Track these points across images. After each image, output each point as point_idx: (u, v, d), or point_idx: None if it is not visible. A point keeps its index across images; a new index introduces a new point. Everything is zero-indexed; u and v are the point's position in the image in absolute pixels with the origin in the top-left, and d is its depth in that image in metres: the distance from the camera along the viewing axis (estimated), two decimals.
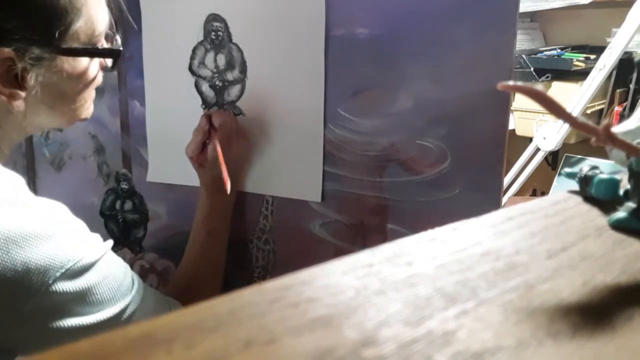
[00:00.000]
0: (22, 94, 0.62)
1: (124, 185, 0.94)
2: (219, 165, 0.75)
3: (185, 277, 0.82)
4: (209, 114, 0.79)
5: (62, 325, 0.58)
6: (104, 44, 0.68)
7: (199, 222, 0.82)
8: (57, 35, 0.61)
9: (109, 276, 0.62)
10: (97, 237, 0.64)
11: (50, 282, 0.56)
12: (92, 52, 0.66)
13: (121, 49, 0.70)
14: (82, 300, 0.59)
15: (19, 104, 0.63)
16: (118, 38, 0.70)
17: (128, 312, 0.63)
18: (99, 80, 0.70)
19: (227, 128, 0.79)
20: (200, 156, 0.80)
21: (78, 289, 0.58)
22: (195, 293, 0.79)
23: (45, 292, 0.56)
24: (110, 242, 0.65)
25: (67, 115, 0.69)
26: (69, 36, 0.62)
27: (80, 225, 0.63)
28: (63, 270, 0.57)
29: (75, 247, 0.59)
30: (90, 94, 0.70)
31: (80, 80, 0.66)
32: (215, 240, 0.83)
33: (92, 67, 0.67)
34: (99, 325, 0.60)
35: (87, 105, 0.70)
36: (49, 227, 0.58)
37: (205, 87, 0.84)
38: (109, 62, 0.71)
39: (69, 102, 0.67)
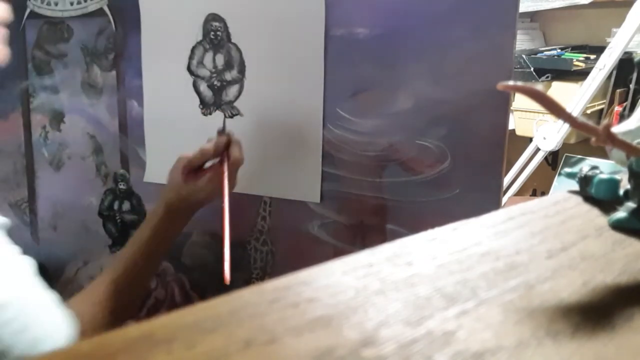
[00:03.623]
0: None
1: (122, 186, 0.93)
2: (222, 218, 0.67)
3: (102, 295, 0.70)
4: (228, 142, 0.72)
5: None
6: None
7: (141, 241, 0.72)
8: None
9: None
10: None
11: None
12: None
13: None
14: None
15: None
16: None
17: None
18: None
19: (237, 166, 0.73)
20: (191, 174, 0.73)
21: None
22: (104, 315, 0.69)
23: None
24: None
25: None
26: None
27: None
28: None
29: None
30: None
31: None
32: (150, 267, 0.75)
33: None
34: None
35: None
36: None
37: (203, 87, 0.84)
38: None
39: None
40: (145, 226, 0.74)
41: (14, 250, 0.52)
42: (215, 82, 0.83)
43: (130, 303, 0.75)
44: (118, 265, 0.72)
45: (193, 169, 0.73)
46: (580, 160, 1.66)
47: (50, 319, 0.51)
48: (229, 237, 0.66)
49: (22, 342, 0.47)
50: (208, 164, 0.75)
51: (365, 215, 0.77)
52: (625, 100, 1.72)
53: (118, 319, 0.71)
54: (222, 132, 0.75)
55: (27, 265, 0.52)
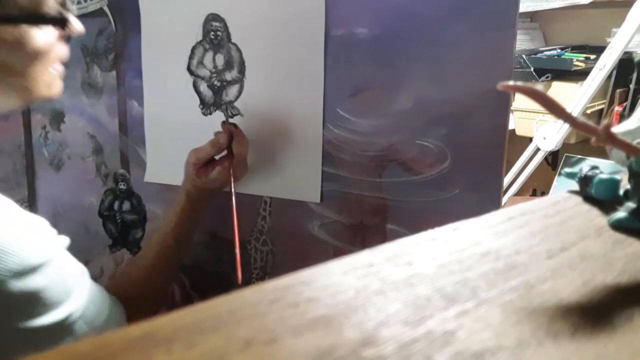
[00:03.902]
0: None
1: (122, 186, 0.93)
2: (230, 209, 0.74)
3: (139, 277, 0.78)
4: (231, 134, 0.77)
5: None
6: (52, 11, 0.60)
7: (169, 226, 0.79)
8: None
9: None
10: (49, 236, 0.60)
11: None
12: (32, 19, 0.58)
13: (68, 17, 0.62)
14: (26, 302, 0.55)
15: None
16: (74, 8, 0.63)
17: (72, 319, 0.59)
18: (58, 52, 0.63)
19: (243, 158, 0.78)
20: (202, 168, 0.78)
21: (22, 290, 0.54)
22: (144, 296, 0.76)
23: None
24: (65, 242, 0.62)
25: (20, 92, 0.61)
26: (5, 1, 0.56)
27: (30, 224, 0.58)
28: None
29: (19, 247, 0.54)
30: (44, 67, 0.61)
31: (25, 51, 0.58)
32: (181, 247, 0.81)
33: (41, 36, 0.59)
34: (40, 330, 0.55)
35: (47, 80, 0.62)
36: None
37: (203, 87, 0.84)
38: (73, 32, 0.64)
39: (17, 76, 0.59)
40: (171, 213, 0.80)
41: (74, 260, 0.62)
42: (215, 82, 0.83)
43: (165, 285, 0.84)
44: (150, 252, 0.80)
45: (202, 164, 0.78)
46: (580, 160, 1.66)
47: (108, 308, 0.64)
48: (237, 233, 0.73)
49: (92, 330, 0.60)
50: (218, 156, 0.79)
51: (365, 215, 0.77)
52: (625, 100, 1.71)
53: (153, 302, 0.79)
54: (225, 123, 0.78)
55: (85, 271, 0.64)
